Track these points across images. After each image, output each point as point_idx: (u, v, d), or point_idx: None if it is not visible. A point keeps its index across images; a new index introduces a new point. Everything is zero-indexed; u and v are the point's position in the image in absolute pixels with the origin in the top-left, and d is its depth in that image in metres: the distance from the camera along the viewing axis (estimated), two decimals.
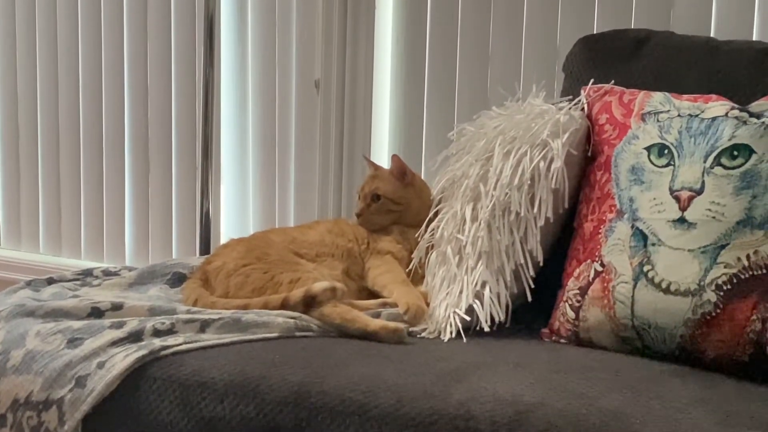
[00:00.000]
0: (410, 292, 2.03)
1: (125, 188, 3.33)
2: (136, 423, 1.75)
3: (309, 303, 1.94)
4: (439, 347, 1.86)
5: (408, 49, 2.86)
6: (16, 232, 3.57)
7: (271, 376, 1.70)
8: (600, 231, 1.92)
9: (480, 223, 1.99)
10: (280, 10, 2.99)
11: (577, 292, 1.91)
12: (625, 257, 1.85)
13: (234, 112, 3.10)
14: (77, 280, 2.26)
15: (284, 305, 1.95)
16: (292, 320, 1.90)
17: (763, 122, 1.82)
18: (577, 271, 1.93)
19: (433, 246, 2.09)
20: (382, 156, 2.86)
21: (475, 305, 1.94)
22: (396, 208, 2.23)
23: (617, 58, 2.24)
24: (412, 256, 2.14)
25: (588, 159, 2.03)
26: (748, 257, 1.75)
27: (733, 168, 1.80)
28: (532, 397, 1.57)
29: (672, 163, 1.87)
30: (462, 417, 1.56)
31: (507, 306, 1.96)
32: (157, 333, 1.86)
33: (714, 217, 1.79)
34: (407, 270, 2.13)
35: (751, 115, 1.84)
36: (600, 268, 1.88)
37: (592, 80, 2.15)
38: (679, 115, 1.91)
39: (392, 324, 1.90)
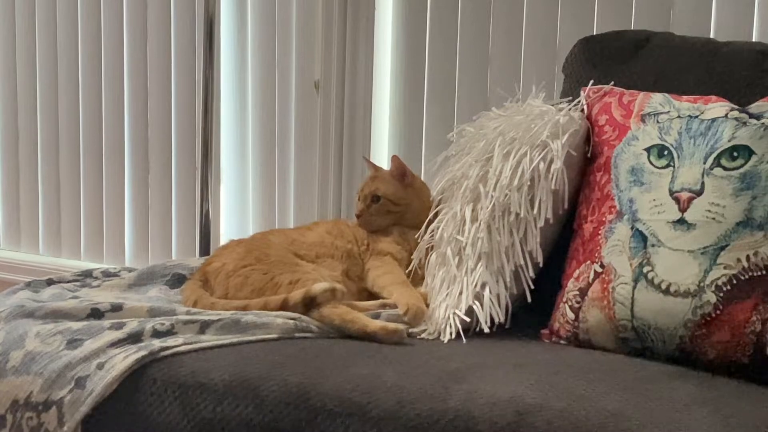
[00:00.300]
0: (410, 293, 2.03)
1: (125, 189, 3.34)
2: (135, 424, 1.75)
3: (309, 304, 1.94)
4: (438, 348, 1.86)
5: (408, 49, 2.86)
6: (16, 233, 3.57)
7: (271, 377, 1.70)
8: (600, 232, 1.92)
9: (480, 224, 1.99)
10: (279, 11, 2.99)
11: (577, 293, 1.91)
12: (625, 258, 1.85)
13: (234, 113, 3.10)
14: (77, 281, 2.26)
15: (284, 306, 1.95)
16: (292, 321, 1.90)
17: (763, 123, 1.82)
18: (577, 272, 1.93)
19: (432, 247, 2.09)
20: (381, 157, 2.86)
21: (474, 306, 1.94)
22: (396, 209, 2.23)
23: (617, 59, 2.24)
24: (412, 257, 2.14)
25: (588, 160, 2.03)
26: (747, 258, 1.75)
27: (733, 169, 1.80)
28: (531, 398, 1.57)
29: (672, 164, 1.87)
30: (462, 418, 1.56)
31: (507, 307, 1.96)
32: (157, 334, 1.86)
33: (714, 218, 1.79)
34: (407, 271, 2.13)
35: (751, 116, 1.84)
36: (600, 269, 1.88)
37: (591, 81, 2.15)
38: (678, 116, 1.91)
39: (392, 325, 1.89)
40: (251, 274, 2.06)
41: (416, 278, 2.12)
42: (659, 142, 1.90)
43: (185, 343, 1.83)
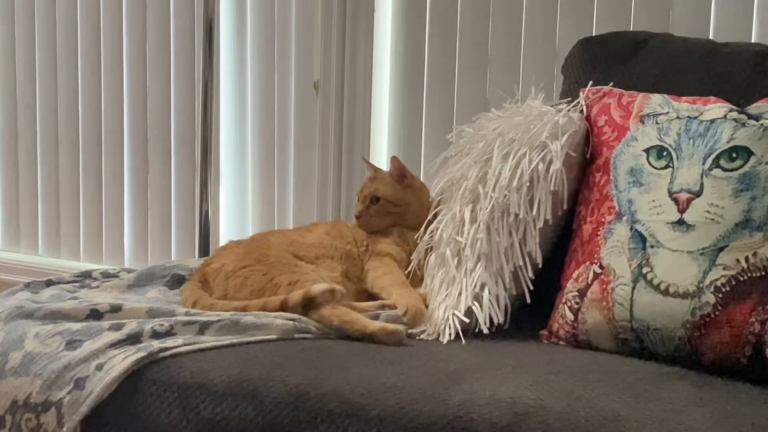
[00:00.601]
0: (409, 294, 2.03)
1: (124, 190, 3.34)
2: (134, 425, 1.75)
3: (308, 305, 1.94)
4: (438, 349, 1.86)
5: (407, 50, 2.86)
6: (15, 233, 3.57)
7: (270, 377, 1.70)
8: (599, 233, 1.92)
9: (479, 225, 1.99)
10: (279, 12, 3.00)
11: (576, 294, 1.91)
12: (624, 259, 1.85)
13: (233, 114, 3.10)
14: (76, 281, 2.26)
15: (283, 307, 1.95)
16: (291, 322, 1.90)
17: (762, 124, 1.82)
18: (576, 273, 1.93)
19: (432, 248, 2.09)
20: (381, 158, 2.86)
21: (474, 307, 1.94)
22: (395, 210, 2.23)
23: (616, 60, 2.24)
24: (411, 258, 2.14)
25: (587, 161, 2.03)
26: (746, 259, 1.75)
27: (732, 170, 1.81)
28: (530, 399, 1.57)
29: (671, 165, 1.87)
30: (461, 419, 1.56)
31: (506, 308, 1.96)
32: (156, 335, 1.86)
33: (713, 219, 1.79)
34: (406, 272, 2.13)
35: (750, 117, 1.84)
36: (599, 270, 1.88)
37: (591, 82, 2.15)
38: (678, 117, 1.91)
39: (391, 326, 1.90)
40: (250, 275, 2.06)
41: (415, 279, 2.12)
42: (658, 143, 1.90)
43: (184, 344, 1.83)
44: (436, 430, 1.57)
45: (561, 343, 1.94)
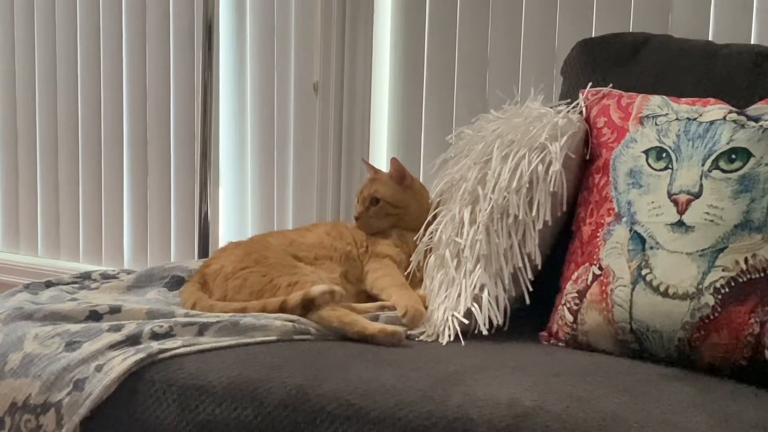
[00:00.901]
0: (409, 295, 2.03)
1: (124, 191, 3.34)
2: (134, 426, 1.75)
3: (307, 306, 1.94)
4: (437, 350, 1.86)
5: (406, 52, 2.87)
6: (15, 235, 3.57)
7: (270, 379, 1.70)
8: (598, 234, 1.92)
9: (478, 227, 1.99)
10: (278, 14, 3.00)
11: (576, 295, 1.91)
12: (624, 260, 1.85)
13: (233, 115, 3.11)
14: (75, 283, 2.26)
15: (282, 308, 1.95)
16: (291, 323, 1.90)
17: (761, 126, 1.82)
18: (576, 274, 1.93)
19: (431, 249, 2.09)
20: (380, 159, 2.87)
21: (473, 308, 1.94)
22: (395, 211, 2.23)
23: (615, 62, 2.24)
24: (411, 259, 2.14)
25: (586, 162, 2.03)
26: (746, 260, 1.75)
27: (731, 171, 1.81)
28: (530, 401, 1.57)
29: (670, 166, 1.87)
30: (460, 420, 1.56)
31: (505, 309, 1.96)
32: (156, 336, 1.86)
33: (712, 221, 1.79)
34: (406, 273, 2.13)
35: (749, 118, 1.84)
36: (598, 272, 1.88)
37: (590, 83, 2.15)
38: (677, 119, 1.91)
39: (390, 327, 1.90)
40: (250, 276, 2.06)
41: (415, 280, 2.12)
42: (658, 144, 1.90)
43: (184, 345, 1.83)
44: None
45: (560, 344, 1.93)
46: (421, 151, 2.85)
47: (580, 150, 2.03)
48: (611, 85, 2.12)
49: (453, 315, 1.93)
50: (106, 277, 2.30)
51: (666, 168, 1.87)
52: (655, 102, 1.97)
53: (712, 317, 1.75)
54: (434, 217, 2.11)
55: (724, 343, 1.74)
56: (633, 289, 1.82)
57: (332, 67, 2.90)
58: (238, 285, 2.05)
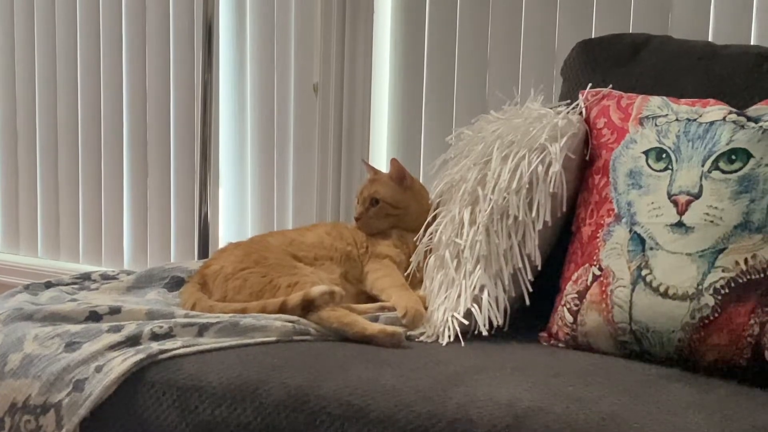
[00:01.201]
0: (409, 296, 2.03)
1: (123, 192, 3.34)
2: (133, 427, 1.75)
3: (307, 307, 1.94)
4: (437, 351, 1.86)
5: (406, 52, 2.86)
6: (15, 235, 3.57)
7: (270, 380, 1.70)
8: (598, 235, 1.92)
9: (478, 227, 1.99)
10: (278, 14, 2.99)
11: (575, 296, 1.91)
12: (623, 261, 1.85)
13: (233, 116, 3.10)
14: (75, 283, 2.26)
15: (282, 309, 1.95)
16: (291, 324, 1.90)
17: (761, 126, 1.82)
18: (575, 275, 1.93)
19: (431, 250, 2.09)
20: (380, 160, 2.86)
21: (473, 309, 1.94)
22: (394, 212, 2.23)
23: (615, 63, 2.24)
24: (411, 260, 2.14)
25: (586, 163, 2.03)
26: (746, 261, 1.75)
27: (731, 172, 1.81)
28: (530, 401, 1.57)
29: (670, 167, 1.87)
30: (460, 421, 1.56)
31: (505, 310, 1.96)
32: (155, 337, 1.86)
33: (712, 221, 1.79)
34: (405, 274, 2.13)
35: (749, 119, 1.84)
36: (598, 272, 1.88)
37: (590, 84, 2.15)
38: (677, 120, 1.91)
39: (390, 328, 1.90)
40: (250, 276, 2.06)
41: (415, 281, 2.12)
42: (657, 145, 1.90)
43: (183, 346, 1.83)
44: None
45: (560, 345, 1.94)
46: (421, 152, 2.85)
47: (580, 151, 2.03)
48: (611, 85, 2.11)
49: (453, 316, 1.93)
50: (105, 277, 2.30)
51: (666, 169, 1.87)
52: (655, 103, 1.97)
53: (711, 318, 1.75)
54: (434, 217, 2.11)
55: (723, 343, 1.74)
56: (633, 290, 1.82)
57: (332, 68, 2.90)
58: (238, 285, 2.05)
